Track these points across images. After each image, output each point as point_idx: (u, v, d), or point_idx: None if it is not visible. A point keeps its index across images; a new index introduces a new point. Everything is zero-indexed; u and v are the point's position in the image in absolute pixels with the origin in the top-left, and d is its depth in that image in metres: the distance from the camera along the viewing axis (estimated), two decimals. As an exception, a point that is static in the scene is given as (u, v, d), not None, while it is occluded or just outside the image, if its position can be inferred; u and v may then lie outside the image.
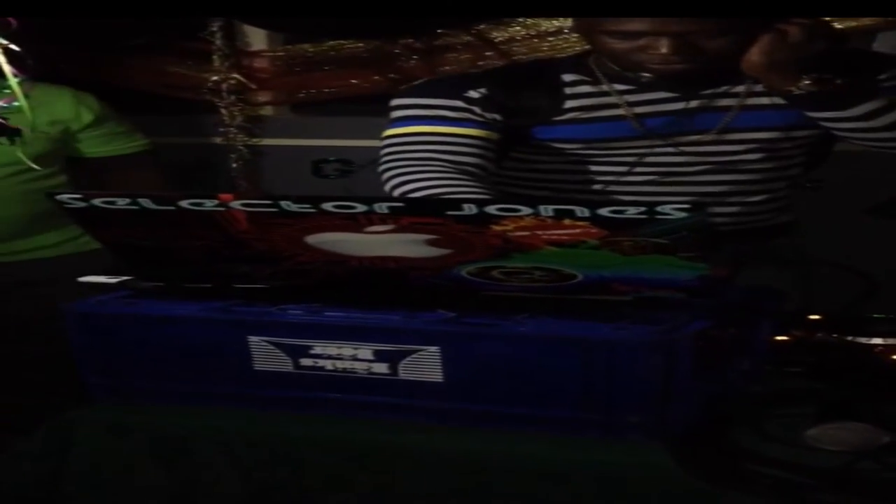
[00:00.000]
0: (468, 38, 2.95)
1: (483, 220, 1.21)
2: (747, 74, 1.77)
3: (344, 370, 1.37)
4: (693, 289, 1.32)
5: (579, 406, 1.30)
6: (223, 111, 3.25)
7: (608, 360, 1.27)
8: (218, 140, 3.31)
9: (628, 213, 1.17)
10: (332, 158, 3.13)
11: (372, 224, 1.24)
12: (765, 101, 1.83)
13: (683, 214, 1.16)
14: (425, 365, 1.34)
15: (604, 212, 1.17)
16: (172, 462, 1.42)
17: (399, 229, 1.24)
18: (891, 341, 1.51)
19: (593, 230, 1.20)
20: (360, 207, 1.20)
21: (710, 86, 1.83)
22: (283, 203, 1.22)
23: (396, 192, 1.81)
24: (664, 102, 1.84)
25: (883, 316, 1.58)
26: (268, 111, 3.36)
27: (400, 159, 1.83)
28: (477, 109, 1.83)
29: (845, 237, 2.50)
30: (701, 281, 1.31)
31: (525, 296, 1.36)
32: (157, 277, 1.48)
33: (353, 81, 3.23)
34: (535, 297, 1.36)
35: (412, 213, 1.20)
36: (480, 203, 1.20)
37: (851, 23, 2.69)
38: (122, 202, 1.30)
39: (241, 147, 3.30)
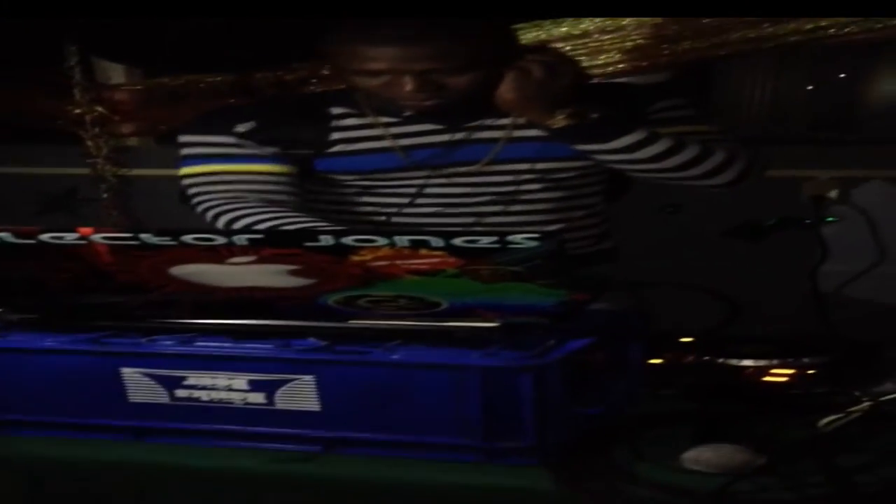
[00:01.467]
0: (325, 70, 3.07)
1: (341, 250, 1.28)
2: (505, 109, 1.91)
3: (220, 401, 1.41)
4: (556, 314, 1.40)
5: (456, 432, 1.36)
6: (89, 143, 3.37)
7: (481, 386, 1.34)
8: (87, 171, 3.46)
9: (481, 242, 1.24)
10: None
11: (233, 255, 1.31)
12: (532, 133, 1.95)
13: (534, 244, 1.24)
14: (301, 394, 1.39)
15: (458, 241, 1.25)
16: (45, 493, 1.45)
17: (261, 260, 1.31)
18: (761, 363, 1.60)
19: (450, 259, 1.28)
20: (220, 239, 1.27)
21: (475, 118, 1.95)
22: (144, 236, 1.28)
23: (222, 223, 1.91)
24: (429, 134, 1.96)
25: (753, 337, 1.67)
26: (133, 142, 3.50)
27: (211, 199, 1.95)
28: (250, 143, 1.95)
29: (709, 259, 2.64)
30: (562, 306, 1.39)
31: (397, 324, 1.42)
32: (28, 309, 1.52)
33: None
34: (407, 325, 1.42)
35: (271, 245, 1.27)
36: (337, 234, 1.26)
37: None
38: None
39: (109, 178, 3.43)
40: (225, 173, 1.97)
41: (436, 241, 1.25)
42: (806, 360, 1.60)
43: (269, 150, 1.97)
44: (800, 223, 2.22)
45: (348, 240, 1.26)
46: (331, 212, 2.04)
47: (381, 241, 1.25)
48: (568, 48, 2.85)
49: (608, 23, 2.85)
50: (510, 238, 1.24)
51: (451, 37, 1.84)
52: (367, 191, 2.02)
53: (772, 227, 2.56)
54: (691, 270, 1.96)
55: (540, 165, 1.98)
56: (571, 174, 2.02)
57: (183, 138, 2.03)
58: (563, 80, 1.88)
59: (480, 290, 1.34)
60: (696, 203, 2.30)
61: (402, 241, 1.25)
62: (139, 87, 3.38)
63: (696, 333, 1.69)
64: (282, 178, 1.97)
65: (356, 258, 1.29)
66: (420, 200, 2.00)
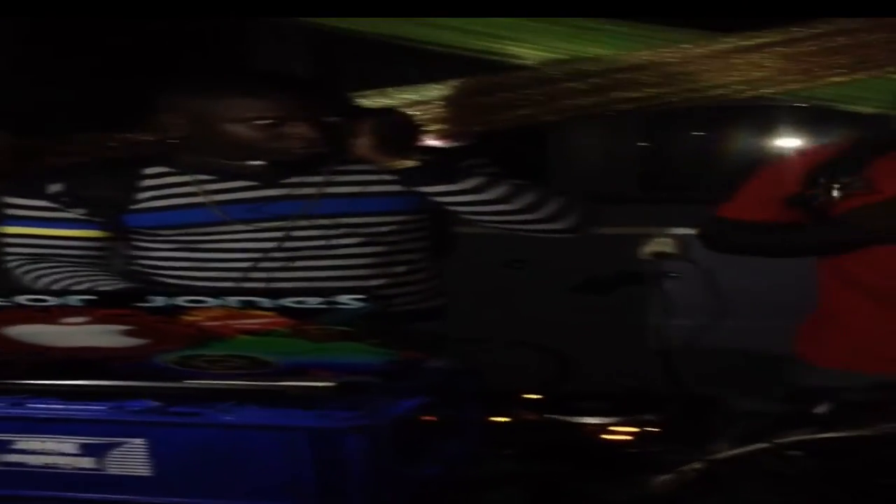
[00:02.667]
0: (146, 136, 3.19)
1: (174, 310, 1.35)
2: (353, 157, 2.05)
3: (48, 466, 1.42)
4: (387, 373, 1.46)
5: (290, 496, 1.39)
6: None
7: (313, 447, 1.38)
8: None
9: (310, 302, 1.32)
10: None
11: (67, 315, 1.36)
12: (345, 189, 2.10)
13: (359, 304, 1.33)
14: (132, 458, 1.41)
15: (287, 302, 1.32)
16: None
17: (95, 320, 1.36)
18: (602, 420, 1.69)
19: (280, 319, 1.35)
20: (53, 301, 1.33)
21: (289, 174, 2.09)
22: None
23: (34, 283, 2.03)
24: (242, 191, 2.09)
25: (593, 393, 1.77)
26: None
27: (23, 260, 2.09)
28: (60, 206, 2.07)
29: (554, 315, 2.79)
30: (393, 365, 1.46)
31: (233, 384, 1.46)
32: None
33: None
34: (243, 384, 1.46)
35: (104, 306, 1.33)
36: (168, 294, 1.34)
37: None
38: None
39: None
40: (39, 237, 2.09)
41: (265, 302, 1.33)
42: (643, 416, 1.68)
43: (79, 211, 2.08)
44: (639, 278, 2.37)
45: (180, 300, 1.33)
46: (155, 268, 2.14)
47: (212, 301, 1.32)
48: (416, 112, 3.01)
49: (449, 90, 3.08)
50: (337, 298, 1.32)
51: (286, 92, 2.01)
52: (185, 246, 2.11)
53: (614, 282, 2.71)
54: (534, 326, 2.09)
55: (352, 220, 2.11)
56: (386, 229, 2.14)
57: (4, 198, 2.14)
58: (410, 129, 2.06)
59: (312, 349, 1.40)
60: (540, 259, 2.44)
61: (232, 301, 1.33)
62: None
63: (535, 390, 1.78)
64: (91, 244, 2.10)
65: (189, 318, 1.35)
66: (237, 255, 2.10)
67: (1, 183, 2.26)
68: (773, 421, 1.66)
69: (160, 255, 2.15)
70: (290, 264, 2.11)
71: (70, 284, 2.02)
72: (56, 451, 1.43)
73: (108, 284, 2.02)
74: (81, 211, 2.10)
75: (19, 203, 2.13)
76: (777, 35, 2.99)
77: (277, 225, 2.11)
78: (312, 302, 1.32)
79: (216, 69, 2.20)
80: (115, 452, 1.43)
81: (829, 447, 1.57)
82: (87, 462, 1.43)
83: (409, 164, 2.05)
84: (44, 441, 1.43)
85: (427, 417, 1.54)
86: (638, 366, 2.22)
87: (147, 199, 2.11)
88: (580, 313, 2.94)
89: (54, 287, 2.02)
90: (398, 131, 2.05)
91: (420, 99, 3.09)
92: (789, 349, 2.30)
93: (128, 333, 1.40)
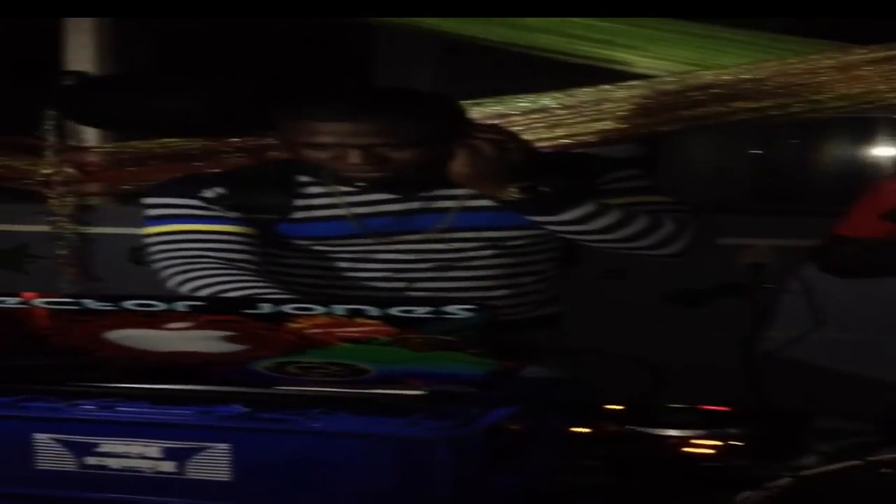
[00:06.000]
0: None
1: (279, 317, 1.45)
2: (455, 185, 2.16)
3: (130, 469, 1.52)
4: (483, 383, 1.56)
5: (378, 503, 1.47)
6: (54, 201, 3.76)
7: (401, 456, 1.46)
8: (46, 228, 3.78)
9: (417, 312, 1.42)
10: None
11: (172, 321, 1.47)
12: (484, 202, 2.21)
13: (468, 314, 1.43)
14: (215, 463, 1.50)
15: (394, 311, 1.42)
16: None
17: (198, 326, 1.47)
18: (682, 433, 1.77)
19: (384, 328, 1.45)
20: (161, 305, 1.44)
21: (428, 188, 2.23)
22: (86, 301, 1.44)
23: (176, 287, 2.13)
24: (383, 203, 2.23)
25: (677, 406, 1.85)
26: (95, 201, 3.85)
27: (172, 257, 2.19)
28: (216, 208, 2.20)
29: (649, 326, 2.94)
30: (490, 376, 1.55)
31: (323, 391, 1.56)
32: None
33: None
34: (333, 391, 1.57)
35: (212, 312, 1.45)
36: (276, 302, 1.45)
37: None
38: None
39: (68, 234, 3.79)
40: (188, 232, 2.21)
41: (372, 310, 1.44)
42: (729, 430, 1.77)
43: (234, 213, 2.22)
44: (738, 289, 2.49)
45: (287, 308, 1.43)
46: (284, 274, 2.28)
47: (319, 309, 1.44)
48: (526, 122, 3.25)
49: (567, 99, 3.27)
50: (446, 308, 1.42)
51: (399, 112, 2.10)
52: (321, 255, 2.26)
53: (710, 294, 2.85)
54: (630, 337, 2.23)
55: (489, 234, 2.26)
56: (523, 241, 2.29)
57: (149, 200, 2.28)
58: (512, 155, 2.14)
59: (410, 357, 1.50)
60: (636, 269, 2.58)
61: (340, 309, 1.44)
62: (109, 149, 3.76)
63: (622, 402, 1.87)
64: (243, 239, 2.22)
65: (293, 325, 1.45)
66: (370, 266, 2.26)
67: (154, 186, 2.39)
68: (864, 438, 1.75)
69: (292, 262, 2.30)
70: (420, 276, 2.27)
71: (206, 284, 2.14)
72: (139, 455, 1.52)
73: (244, 287, 2.14)
74: (237, 213, 2.25)
75: (175, 203, 2.26)
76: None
77: (414, 238, 2.27)
78: (420, 311, 1.44)
79: (311, 86, 2.35)
80: (199, 457, 1.51)
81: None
82: (168, 466, 1.52)
83: (511, 195, 2.16)
84: (128, 444, 1.52)
85: (516, 427, 1.63)
86: (731, 378, 2.35)
87: (297, 209, 2.26)
88: (678, 324, 3.09)
89: (188, 285, 2.15)
90: (497, 160, 2.14)
91: (533, 107, 3.28)
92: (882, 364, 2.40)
93: (228, 339, 1.49)
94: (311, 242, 2.28)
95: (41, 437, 1.56)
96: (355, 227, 2.26)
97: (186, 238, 2.23)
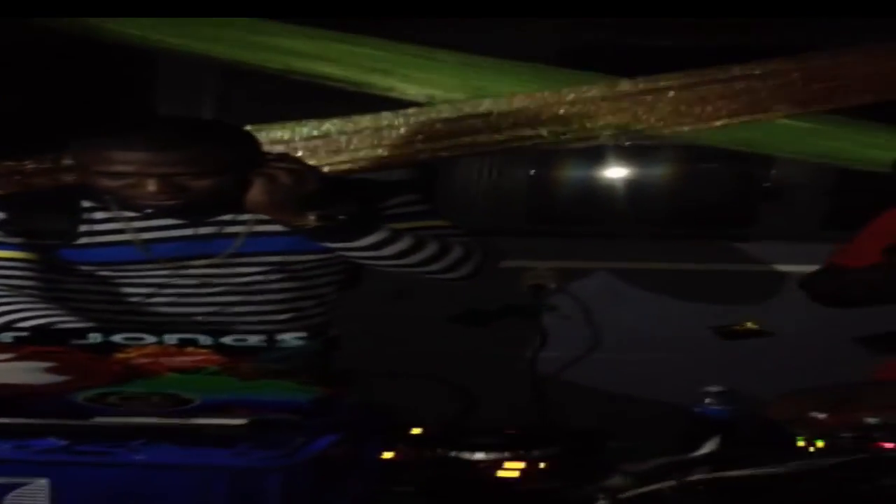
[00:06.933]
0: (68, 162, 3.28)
1: (107, 348, 1.46)
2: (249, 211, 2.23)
3: None
4: (307, 410, 1.59)
5: None
6: None
7: (228, 487, 1.47)
8: None
9: (250, 341, 1.46)
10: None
11: None
12: (273, 227, 2.28)
13: (301, 342, 1.48)
14: (33, 500, 1.48)
15: (227, 340, 1.44)
16: None
17: (20, 357, 1.47)
18: (494, 455, 1.81)
19: (215, 357, 1.47)
20: None
21: (217, 213, 2.28)
22: None
23: None
24: (170, 229, 2.27)
25: (481, 429, 1.87)
26: None
27: None
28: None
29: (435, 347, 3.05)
30: (314, 403, 1.58)
31: (145, 421, 1.56)
32: None
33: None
34: (156, 422, 1.56)
35: (35, 342, 1.45)
36: (105, 332, 1.46)
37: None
38: None
39: None
40: None
41: (204, 340, 1.45)
42: (534, 453, 1.82)
43: (17, 239, 2.20)
44: (521, 310, 2.58)
45: (117, 337, 1.43)
46: (71, 300, 2.25)
47: (150, 338, 1.46)
48: (310, 147, 3.31)
49: (348, 125, 3.36)
50: (279, 337, 1.46)
51: (199, 142, 2.15)
52: (107, 281, 2.26)
53: (494, 314, 2.96)
54: (418, 359, 2.29)
55: (276, 258, 2.31)
56: (309, 265, 2.35)
57: None
58: (307, 185, 2.21)
59: (238, 386, 1.52)
60: (421, 289, 2.67)
61: (172, 338, 1.47)
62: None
63: (432, 426, 1.92)
64: (26, 265, 2.20)
65: (121, 355, 1.46)
66: (157, 291, 2.27)
67: None
68: (673, 457, 1.82)
69: (78, 289, 2.28)
70: (209, 301, 2.30)
71: (10, 318, 2.10)
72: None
73: (34, 315, 2.10)
74: (19, 239, 2.23)
75: None
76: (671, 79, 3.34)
77: (201, 263, 2.29)
78: (253, 340, 1.48)
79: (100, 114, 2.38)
80: (16, 494, 1.48)
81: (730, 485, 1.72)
82: (-13, 503, 1.44)
83: (306, 222, 2.23)
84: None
85: (339, 454, 1.65)
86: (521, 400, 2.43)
87: (82, 235, 2.25)
88: (463, 344, 3.20)
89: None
90: (294, 189, 2.21)
91: (317, 134, 3.34)
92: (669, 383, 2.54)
93: (50, 370, 1.48)
94: (95, 268, 2.28)
95: None
96: (141, 252, 2.27)
97: None
